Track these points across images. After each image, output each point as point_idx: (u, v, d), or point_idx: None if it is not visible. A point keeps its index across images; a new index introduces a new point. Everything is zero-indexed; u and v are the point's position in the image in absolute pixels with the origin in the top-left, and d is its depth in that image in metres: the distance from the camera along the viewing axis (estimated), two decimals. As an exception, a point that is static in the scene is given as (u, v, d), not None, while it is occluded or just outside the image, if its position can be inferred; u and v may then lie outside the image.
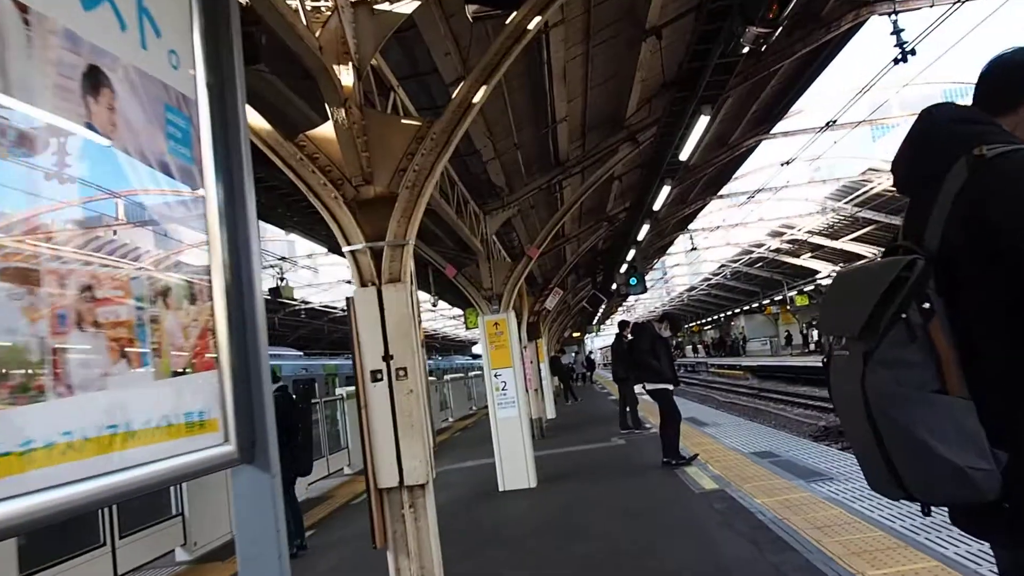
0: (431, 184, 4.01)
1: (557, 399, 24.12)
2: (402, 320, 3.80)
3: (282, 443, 6.15)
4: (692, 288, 59.28)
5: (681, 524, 6.59)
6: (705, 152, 14.83)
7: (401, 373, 3.77)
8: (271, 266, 22.45)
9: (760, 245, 37.81)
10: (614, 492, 8.61)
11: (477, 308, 9.81)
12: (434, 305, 16.93)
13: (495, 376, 9.54)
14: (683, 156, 8.92)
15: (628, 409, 14.28)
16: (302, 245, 26.93)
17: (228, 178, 1.82)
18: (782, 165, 16.43)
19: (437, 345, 64.36)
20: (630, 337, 14.49)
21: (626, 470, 9.96)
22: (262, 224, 12.72)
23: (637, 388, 15.27)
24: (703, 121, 7.62)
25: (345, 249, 4.01)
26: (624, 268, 18.71)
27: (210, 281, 1.89)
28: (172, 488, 7.91)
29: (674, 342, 9.99)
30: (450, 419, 24.73)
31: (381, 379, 3.79)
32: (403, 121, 4.09)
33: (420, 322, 4.01)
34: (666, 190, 10.80)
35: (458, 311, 32.19)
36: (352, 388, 26.04)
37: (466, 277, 9.79)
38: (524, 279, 14.89)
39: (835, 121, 13.69)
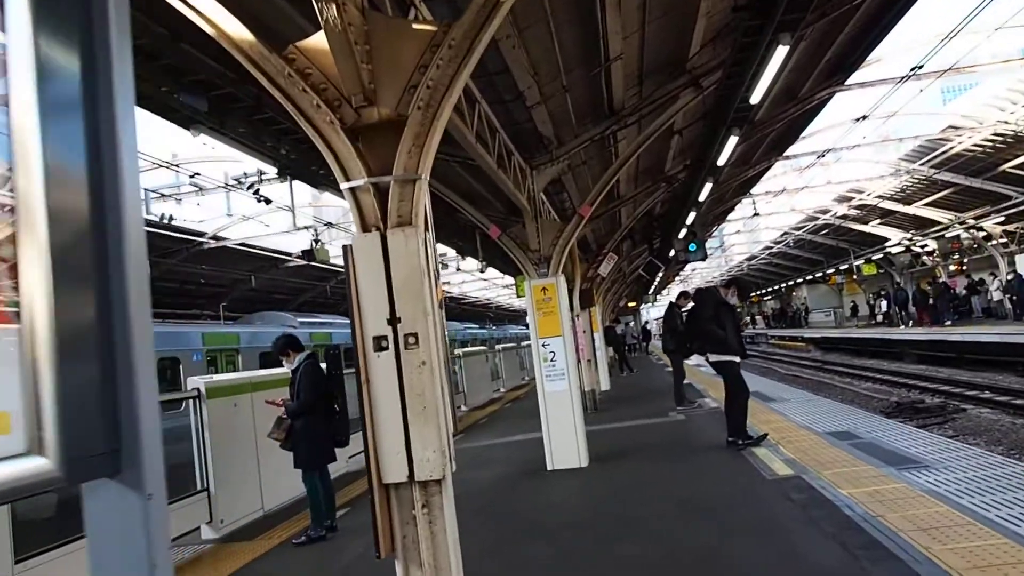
0: (449, 104, 3.18)
1: (611, 370, 23.27)
2: (412, 274, 3.01)
3: (316, 413, 5.49)
4: (752, 257, 57.24)
5: (752, 519, 5.71)
6: (772, 106, 13.65)
7: (411, 341, 2.98)
8: (306, 227, 21.15)
9: (826, 211, 35.98)
10: (673, 476, 7.75)
11: (524, 272, 8.99)
12: (482, 271, 16.15)
13: (543, 346, 8.74)
14: (754, 98, 7.90)
15: (677, 383, 13.37)
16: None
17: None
18: (856, 121, 15.07)
19: (491, 315, 63.96)
20: (686, 308, 13.58)
21: (686, 450, 9.09)
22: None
23: (691, 361, 14.33)
24: (780, 53, 6.59)
25: (344, 186, 3.21)
26: (683, 233, 17.62)
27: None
28: (196, 459, 7.51)
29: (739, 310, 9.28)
30: (501, 389, 24.17)
31: (386, 348, 3.01)
32: (414, 26, 3.27)
33: (438, 277, 3.21)
34: (732, 141, 9.76)
35: (510, 279, 31.47)
36: (470, 348, 24.37)
37: (512, 238, 8.97)
38: (576, 242, 14.03)
39: (921, 66, 12.35)
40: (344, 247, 3.14)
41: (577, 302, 14.43)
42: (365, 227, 3.14)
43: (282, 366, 7.31)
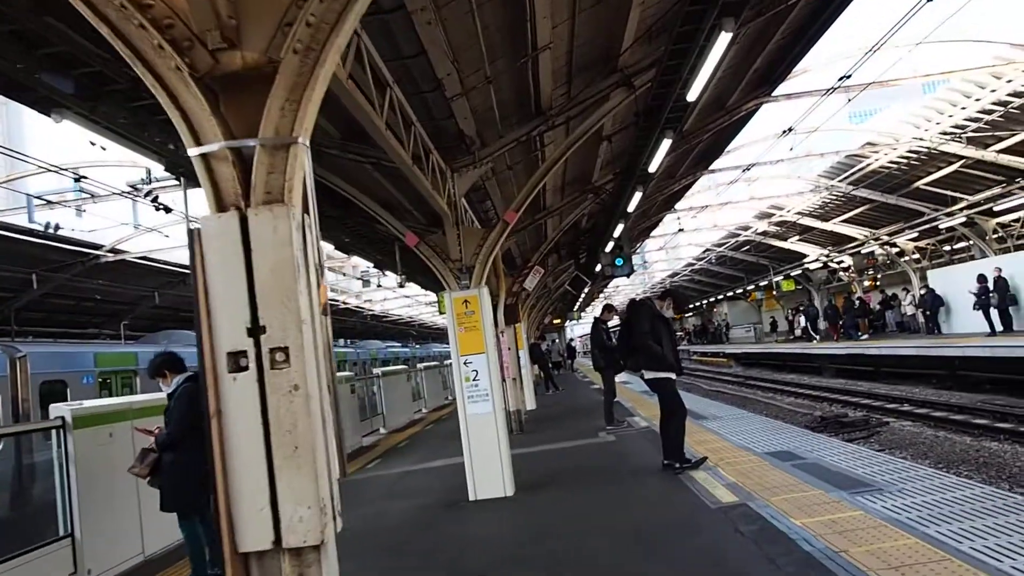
0: (335, 48, 2.42)
1: (537, 388, 22.65)
2: (282, 268, 2.22)
3: (189, 446, 4.50)
4: (675, 274, 57.91)
5: (700, 558, 5.06)
6: (701, 116, 13.36)
7: (280, 358, 2.18)
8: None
9: (746, 227, 36.47)
10: (609, 505, 7.06)
11: (444, 283, 8.23)
12: (401, 285, 15.27)
13: (464, 364, 7.98)
14: (692, 95, 7.40)
15: (607, 402, 12.79)
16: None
17: None
18: (783, 133, 14.94)
19: (414, 333, 62.66)
20: (611, 322, 13.04)
21: (620, 474, 8.43)
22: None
23: (620, 377, 13.81)
24: (723, 41, 6.07)
25: (192, 152, 2.42)
26: (610, 246, 17.19)
27: None
28: (59, 500, 6.42)
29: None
30: (424, 410, 23.23)
31: (245, 367, 2.22)
32: (290, -57, 2.51)
33: (322, 275, 2.42)
34: (665, 145, 9.28)
35: (432, 296, 30.57)
36: (389, 368, 23.04)
37: (431, 247, 8.21)
38: (500, 253, 13.35)
39: (849, 75, 12.21)
40: (190, 232, 2.32)
41: (502, 318, 13.74)
42: (221, 206, 2.34)
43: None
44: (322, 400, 2.32)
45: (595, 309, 77.89)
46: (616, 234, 15.36)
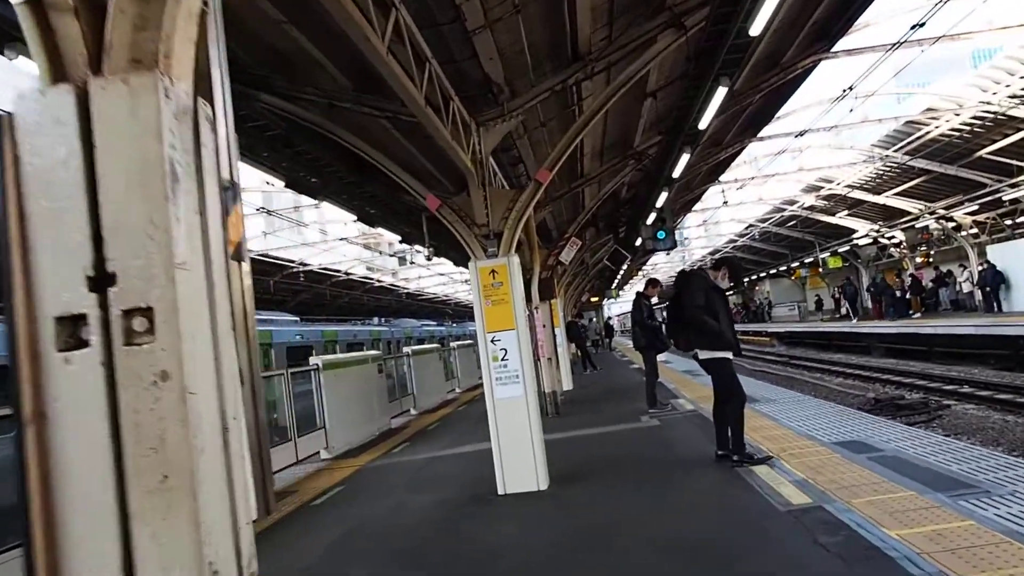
0: None
1: (574, 368, 21.73)
2: (147, 174, 1.34)
3: None
4: (715, 251, 56.19)
5: (776, 577, 4.13)
6: (753, 74, 12.19)
7: (138, 326, 1.33)
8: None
9: (792, 202, 34.89)
10: (657, 505, 6.12)
11: (469, 251, 7.32)
12: (428, 259, 14.34)
13: (492, 342, 7.08)
14: (755, 29, 6.33)
15: (649, 383, 11.79)
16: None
17: None
18: (843, 93, 13.65)
19: (450, 311, 61.96)
20: (654, 298, 12.00)
21: (668, 465, 7.47)
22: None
23: (660, 357, 12.75)
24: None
25: None
26: (652, 218, 16.10)
27: None
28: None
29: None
30: (457, 390, 22.48)
31: (85, 343, 1.36)
32: None
33: (235, 197, 1.47)
34: (720, 94, 8.19)
35: (467, 274, 29.73)
36: (421, 346, 22.45)
37: (454, 210, 7.29)
38: (534, 222, 12.37)
39: (922, 24, 10.90)
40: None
41: (536, 292, 12.82)
42: (56, 75, 1.47)
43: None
44: (222, 400, 1.41)
45: (633, 287, 76.49)
46: (659, 204, 14.27)
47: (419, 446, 11.90)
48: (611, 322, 51.33)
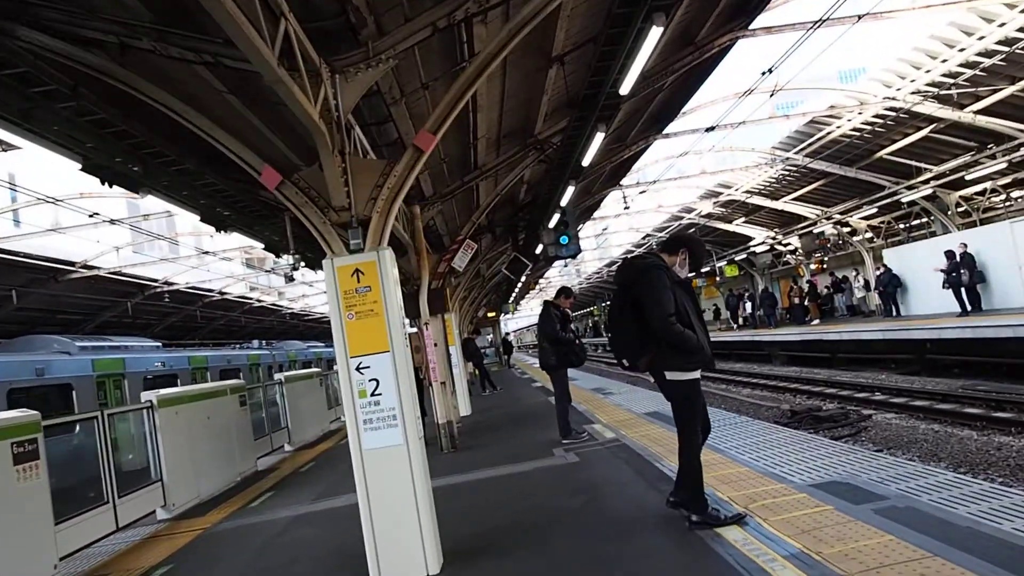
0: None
1: (471, 388, 19.79)
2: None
3: None
4: (612, 263, 55.54)
5: None
6: (665, 52, 10.74)
7: None
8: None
9: (691, 210, 34.31)
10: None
11: (323, 244, 5.26)
12: (293, 269, 12.00)
13: (357, 370, 5.05)
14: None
15: (561, 409, 10.00)
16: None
17: None
18: (763, 75, 12.34)
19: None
20: (566, 308, 10.24)
21: (600, 527, 5.56)
22: None
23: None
24: None
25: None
26: (554, 221, 14.43)
27: None
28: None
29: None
30: (342, 418, 20.05)
31: None
32: None
33: None
34: (655, 36, 6.47)
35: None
36: (296, 372, 19.52)
37: (300, 189, 5.23)
38: (420, 218, 10.40)
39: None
40: None
41: (426, 306, 10.81)
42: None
43: None
44: None
45: (531, 302, 75.23)
46: (564, 201, 12.55)
47: (285, 496, 9.67)
48: (509, 338, 49.73)
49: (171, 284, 27.06)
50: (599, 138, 9.08)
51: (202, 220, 10.11)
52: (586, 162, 10.21)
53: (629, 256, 5.64)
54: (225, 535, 7.93)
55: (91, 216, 15.41)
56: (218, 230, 10.61)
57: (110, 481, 8.19)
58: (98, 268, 22.21)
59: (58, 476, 7.46)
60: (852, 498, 5.06)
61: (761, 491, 5.62)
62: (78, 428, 8.49)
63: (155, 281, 26.41)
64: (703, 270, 40.34)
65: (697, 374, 5.05)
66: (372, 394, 5.00)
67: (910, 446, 11.88)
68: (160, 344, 23.69)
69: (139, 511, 8.78)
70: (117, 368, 18.50)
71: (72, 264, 21.64)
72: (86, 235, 19.78)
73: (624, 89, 7.55)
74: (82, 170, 7.16)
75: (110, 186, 7.81)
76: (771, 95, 15.85)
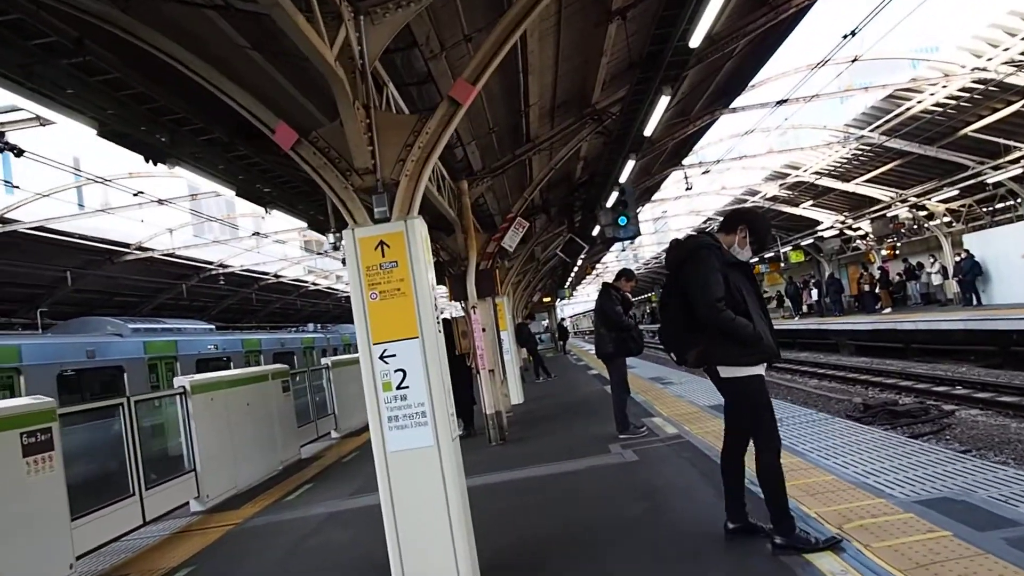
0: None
1: (524, 376, 19.10)
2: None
3: None
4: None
5: None
6: (733, 16, 9.79)
7: None
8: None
9: (755, 192, 32.88)
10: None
11: (345, 213, 4.57)
12: (335, 248, 11.36)
13: (381, 359, 4.35)
14: None
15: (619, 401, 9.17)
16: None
17: None
18: (844, 38, 11.17)
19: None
20: (627, 291, 9.40)
21: (664, 545, 4.78)
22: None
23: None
24: None
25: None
26: (612, 199, 13.55)
27: None
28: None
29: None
30: (334, 434, 19.35)
31: None
32: None
33: None
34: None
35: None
36: (343, 356, 18.96)
37: (319, 149, 4.54)
38: (468, 194, 9.67)
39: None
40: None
41: (473, 288, 10.11)
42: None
43: None
44: None
45: (586, 289, 73.98)
46: (623, 177, 11.67)
47: (323, 489, 9.14)
48: (564, 323, 48.97)
49: (226, 267, 27.01)
50: (663, 103, 8.18)
51: (239, 195, 9.55)
52: (648, 131, 9.31)
53: (678, 238, 4.78)
54: (255, 532, 7.40)
55: (135, 195, 15.07)
56: (259, 205, 10.08)
57: (137, 473, 7.72)
58: (152, 250, 22.14)
59: (78, 467, 7.02)
60: (973, 521, 4.15)
61: (855, 507, 4.74)
62: (103, 416, 8.01)
63: (210, 264, 26.38)
64: (767, 255, 38.84)
65: (758, 369, 4.22)
66: (398, 387, 4.30)
67: (1002, 447, 10.81)
68: (213, 327, 23.66)
69: (170, 503, 8.32)
70: (169, 351, 18.41)
71: (127, 246, 21.63)
72: (142, 216, 19.71)
73: (694, 41, 6.65)
74: (100, 135, 6.61)
75: (153, 164, 7.29)
76: (852, 62, 14.62)
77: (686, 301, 4.32)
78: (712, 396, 11.43)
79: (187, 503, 8.82)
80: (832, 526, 4.40)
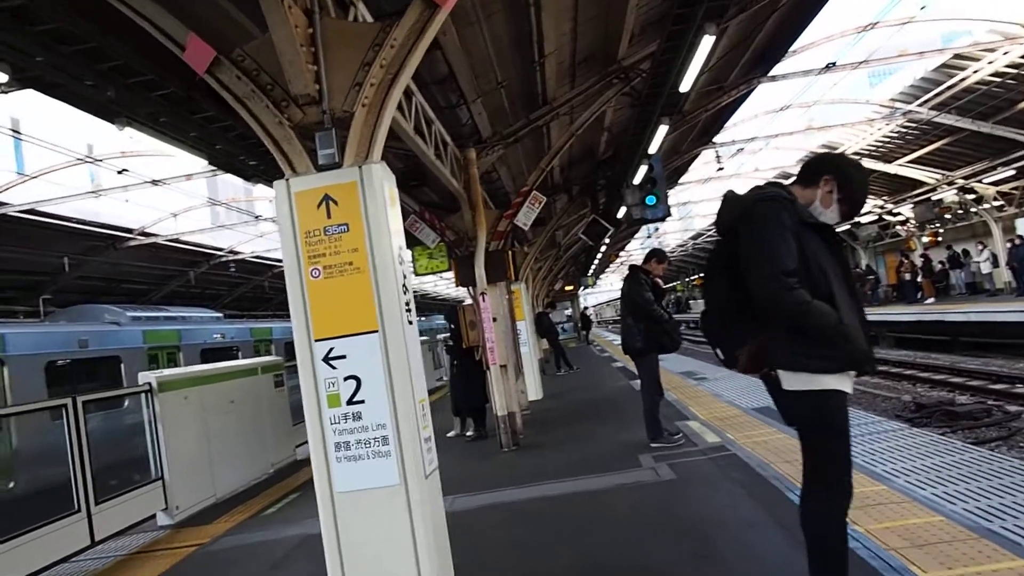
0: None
1: (544, 368, 17.82)
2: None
3: None
4: (698, 235, 52.35)
5: None
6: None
7: None
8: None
9: (788, 176, 31.23)
10: None
11: (278, 156, 3.31)
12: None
13: (325, 361, 3.09)
14: None
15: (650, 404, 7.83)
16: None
17: None
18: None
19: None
20: (657, 275, 8.06)
21: None
22: None
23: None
24: None
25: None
26: (640, 175, 12.20)
27: None
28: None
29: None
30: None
31: None
32: None
33: None
34: None
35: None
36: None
37: (240, 67, 3.28)
38: (475, 164, 8.35)
39: None
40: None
41: (482, 271, 8.84)
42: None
43: None
44: None
45: (609, 278, 72.44)
46: (653, 147, 10.29)
47: (308, 500, 7.84)
48: (588, 312, 47.65)
49: (236, 253, 26.00)
50: (705, 47, 6.77)
51: (212, 164, 8.35)
52: (686, 85, 7.89)
53: (732, 190, 3.37)
54: (217, 558, 6.23)
55: (119, 173, 13.91)
56: (244, 179, 8.88)
57: (84, 485, 6.57)
58: (155, 235, 21.14)
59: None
60: None
61: (911, 525, 3.42)
62: (43, 419, 6.86)
63: (220, 250, 25.39)
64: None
65: (840, 381, 2.83)
66: (349, 401, 3.05)
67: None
68: (221, 315, 22.68)
69: (128, 519, 7.18)
70: (171, 340, 17.42)
71: (130, 231, 20.68)
72: (147, 201, 18.72)
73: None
74: (18, 82, 5.40)
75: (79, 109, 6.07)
76: (903, 24, 13.09)
77: (740, 276, 2.97)
78: (755, 395, 10.06)
79: (154, 516, 7.70)
80: (888, 546, 3.11)
